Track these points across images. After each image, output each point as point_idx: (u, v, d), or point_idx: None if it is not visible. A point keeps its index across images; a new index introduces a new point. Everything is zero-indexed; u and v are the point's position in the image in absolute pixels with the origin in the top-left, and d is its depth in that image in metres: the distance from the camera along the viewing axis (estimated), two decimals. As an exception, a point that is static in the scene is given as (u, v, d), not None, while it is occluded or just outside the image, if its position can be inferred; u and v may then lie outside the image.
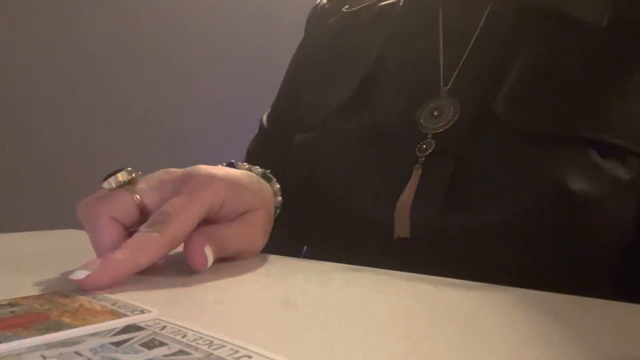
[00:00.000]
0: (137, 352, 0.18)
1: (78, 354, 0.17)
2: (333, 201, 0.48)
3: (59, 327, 0.20)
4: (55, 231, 0.61)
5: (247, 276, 0.34)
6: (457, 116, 0.44)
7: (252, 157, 0.64)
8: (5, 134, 1.31)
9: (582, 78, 0.41)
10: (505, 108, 0.41)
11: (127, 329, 0.20)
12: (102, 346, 0.18)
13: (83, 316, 0.22)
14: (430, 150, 0.43)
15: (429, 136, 0.44)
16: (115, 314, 0.22)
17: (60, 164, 1.40)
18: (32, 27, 1.35)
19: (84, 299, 0.25)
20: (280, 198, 0.43)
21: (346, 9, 0.61)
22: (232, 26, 1.79)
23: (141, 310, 0.23)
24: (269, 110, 0.66)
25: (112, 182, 0.35)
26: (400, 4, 0.55)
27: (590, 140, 0.38)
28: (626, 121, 0.39)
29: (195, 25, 1.68)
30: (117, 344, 0.18)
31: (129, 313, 0.22)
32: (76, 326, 0.20)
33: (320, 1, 0.66)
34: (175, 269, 0.36)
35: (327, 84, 0.56)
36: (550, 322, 0.23)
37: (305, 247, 0.56)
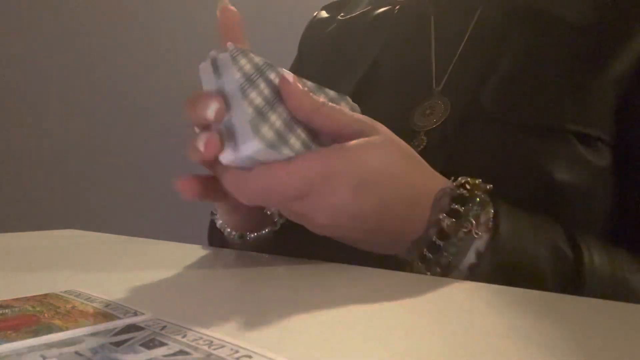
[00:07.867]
0: (137, 352, 0.18)
1: (78, 354, 0.17)
2: None
3: (50, 329, 0.20)
4: (55, 231, 0.61)
5: (247, 276, 0.34)
6: (448, 113, 0.45)
7: None
8: (5, 133, 1.31)
9: (564, 73, 0.43)
10: (493, 102, 0.43)
11: (127, 329, 0.20)
12: (102, 346, 0.18)
13: (75, 318, 0.21)
14: (422, 147, 0.45)
15: (421, 134, 0.46)
16: (108, 316, 0.22)
17: (60, 164, 1.40)
18: (31, 26, 1.35)
19: (77, 301, 0.24)
20: None
21: (342, 16, 0.62)
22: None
23: (134, 312, 0.22)
24: None
25: None
26: (395, 11, 0.57)
27: (573, 131, 0.41)
28: (600, 112, 0.42)
29: (199, 24, 1.68)
30: (117, 344, 0.18)
31: (121, 315, 0.22)
32: (67, 329, 0.20)
33: (316, 15, 0.67)
34: (175, 269, 0.36)
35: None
36: (550, 322, 0.23)
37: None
